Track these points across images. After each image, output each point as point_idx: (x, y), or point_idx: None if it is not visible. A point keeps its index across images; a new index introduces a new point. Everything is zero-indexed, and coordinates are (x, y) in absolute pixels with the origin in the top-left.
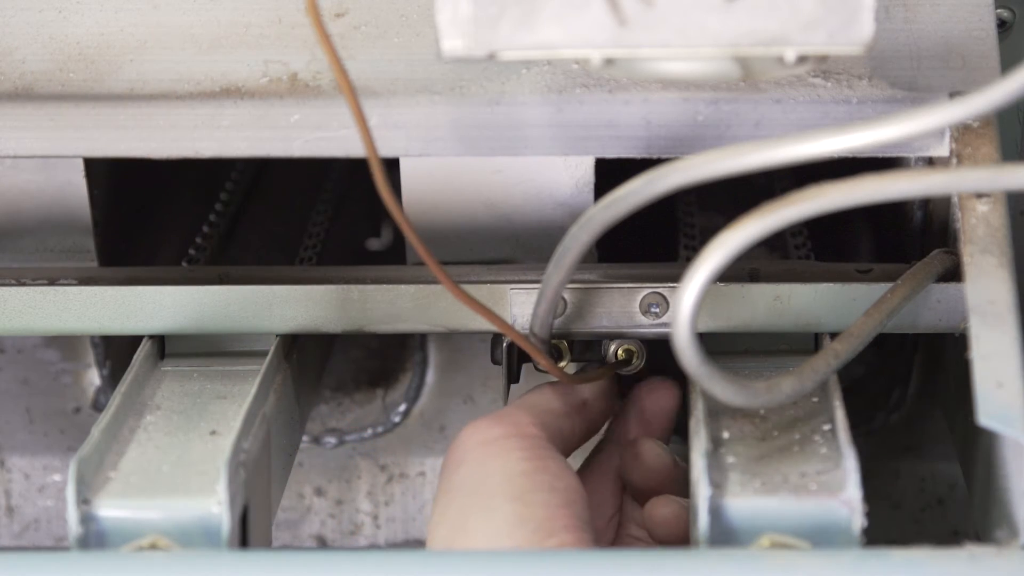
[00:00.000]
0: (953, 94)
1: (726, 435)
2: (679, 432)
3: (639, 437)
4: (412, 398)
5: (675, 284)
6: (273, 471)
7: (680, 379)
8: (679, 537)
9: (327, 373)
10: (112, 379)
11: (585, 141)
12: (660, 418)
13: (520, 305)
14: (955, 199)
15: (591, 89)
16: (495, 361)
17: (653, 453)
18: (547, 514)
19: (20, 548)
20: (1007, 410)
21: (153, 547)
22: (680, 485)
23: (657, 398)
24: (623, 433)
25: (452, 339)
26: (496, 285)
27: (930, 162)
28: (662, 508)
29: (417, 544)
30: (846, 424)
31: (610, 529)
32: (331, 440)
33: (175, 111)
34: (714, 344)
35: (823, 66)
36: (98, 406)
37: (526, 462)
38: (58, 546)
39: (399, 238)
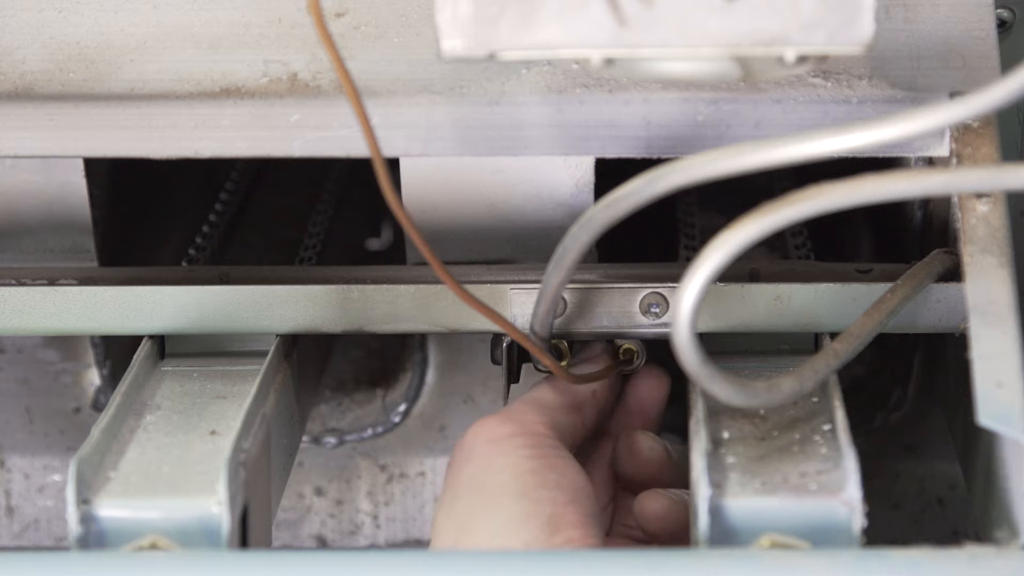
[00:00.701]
0: (953, 94)
1: (726, 435)
2: (679, 432)
3: (632, 429)
4: (412, 398)
5: (675, 284)
6: (273, 471)
7: (673, 371)
8: (671, 531)
9: (327, 373)
10: (112, 379)
11: (585, 141)
12: (650, 408)
13: (520, 305)
14: (955, 199)
15: (591, 89)
16: (495, 361)
17: (647, 445)
18: (554, 511)
19: (20, 548)
20: (1007, 410)
21: (153, 547)
22: (673, 476)
23: (647, 388)
24: (614, 423)
25: (452, 339)
26: (496, 285)
27: (930, 162)
28: (652, 503)
29: (417, 544)
30: (846, 424)
31: (604, 519)
32: (331, 440)
33: (175, 111)
34: (714, 344)
35: (823, 66)
36: (98, 406)
37: (532, 460)
38: (58, 546)
39: (399, 238)
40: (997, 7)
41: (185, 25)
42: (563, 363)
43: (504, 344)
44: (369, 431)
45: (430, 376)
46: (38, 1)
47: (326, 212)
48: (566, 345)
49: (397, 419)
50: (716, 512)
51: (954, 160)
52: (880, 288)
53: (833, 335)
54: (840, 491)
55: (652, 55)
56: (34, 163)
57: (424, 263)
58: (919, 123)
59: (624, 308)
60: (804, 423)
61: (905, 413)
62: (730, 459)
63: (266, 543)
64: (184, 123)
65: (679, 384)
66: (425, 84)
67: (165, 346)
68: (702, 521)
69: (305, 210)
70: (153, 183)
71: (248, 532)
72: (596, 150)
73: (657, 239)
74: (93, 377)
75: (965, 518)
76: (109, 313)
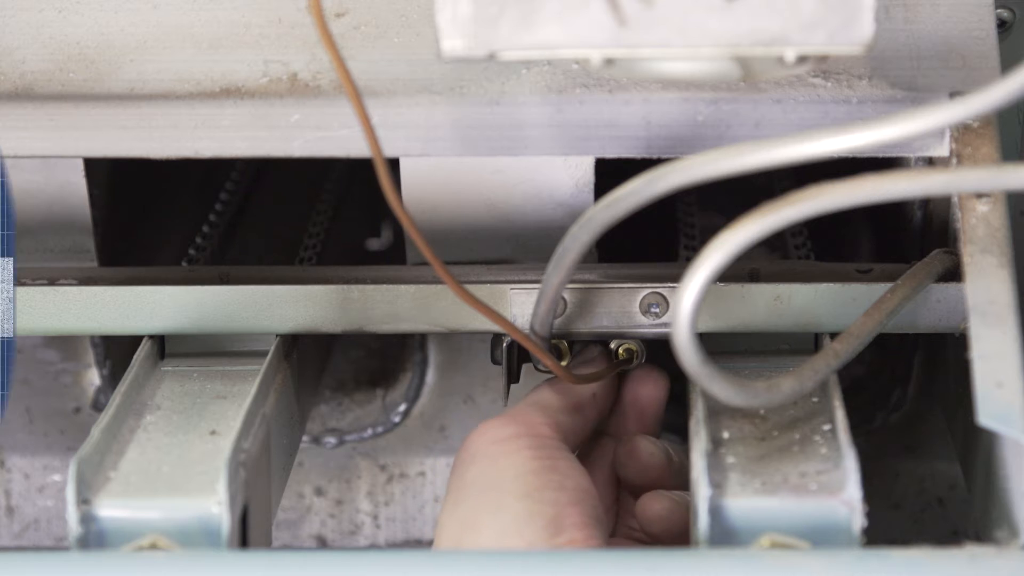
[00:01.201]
0: (953, 94)
1: (726, 435)
2: (679, 432)
3: (633, 434)
4: (412, 398)
5: (675, 284)
6: (273, 471)
7: (673, 371)
8: (673, 532)
9: (327, 373)
10: (112, 379)
11: (585, 141)
12: (650, 408)
13: (520, 305)
14: (955, 199)
15: (591, 89)
16: (495, 361)
17: (647, 451)
18: (557, 512)
19: (20, 548)
20: (1007, 410)
21: (153, 547)
22: (674, 479)
23: (645, 389)
24: (615, 425)
25: (452, 339)
26: (496, 285)
27: (930, 162)
28: (655, 504)
29: (417, 544)
30: (846, 424)
31: (608, 521)
32: (331, 440)
33: (175, 111)
34: (714, 344)
35: (823, 66)
36: (98, 406)
37: (536, 461)
38: (58, 546)
39: (399, 238)
40: (997, 7)
41: (185, 25)
42: (563, 363)
43: (504, 344)
44: (369, 431)
45: (430, 376)
46: (38, 1)
47: (326, 212)
48: (566, 345)
49: (397, 419)
50: (716, 512)
51: (954, 160)
52: (880, 288)
53: (833, 335)
54: (840, 491)
55: (652, 55)
56: (34, 163)
57: (424, 263)
58: (919, 123)
59: (624, 308)
60: (804, 423)
61: (905, 413)
62: (730, 459)
63: (266, 543)
64: (184, 123)
65: (679, 384)
66: (425, 84)
67: (165, 346)
68: (702, 521)
69: (305, 210)
70: (153, 183)
71: (248, 532)
72: (596, 150)
73: (657, 239)
74: (93, 377)
75: (965, 518)
76: (109, 313)
